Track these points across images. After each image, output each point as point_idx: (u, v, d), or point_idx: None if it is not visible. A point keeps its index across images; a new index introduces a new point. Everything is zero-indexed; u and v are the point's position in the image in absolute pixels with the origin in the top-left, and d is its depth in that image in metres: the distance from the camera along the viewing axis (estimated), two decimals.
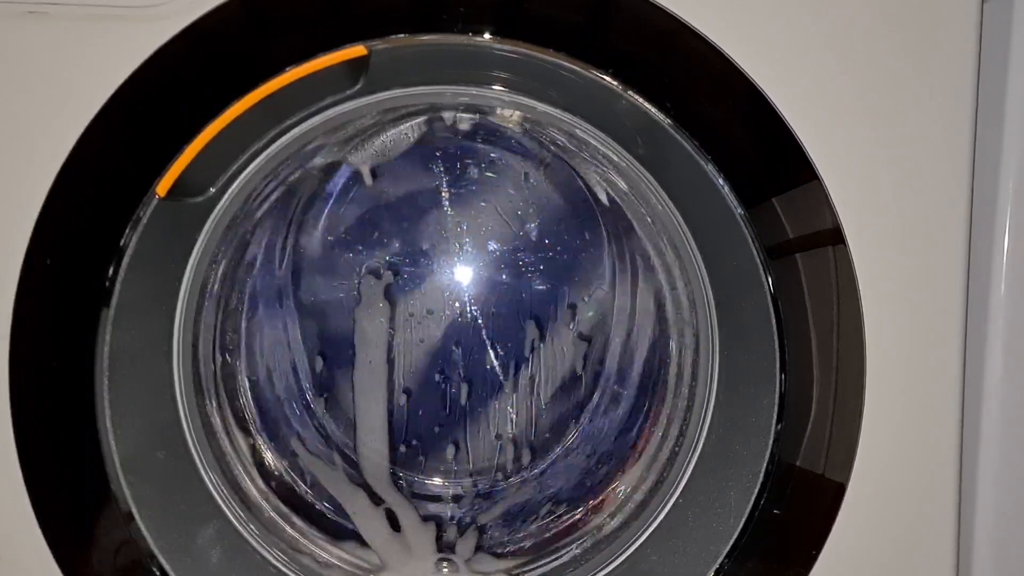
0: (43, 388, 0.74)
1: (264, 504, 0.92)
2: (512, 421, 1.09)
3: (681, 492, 0.84)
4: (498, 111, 0.92)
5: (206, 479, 0.85)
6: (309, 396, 1.07)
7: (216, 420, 0.90)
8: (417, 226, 1.05)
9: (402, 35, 0.73)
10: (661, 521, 0.84)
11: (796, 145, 0.73)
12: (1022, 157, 0.76)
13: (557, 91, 0.78)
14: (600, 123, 0.80)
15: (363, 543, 0.95)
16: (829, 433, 0.77)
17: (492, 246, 1.06)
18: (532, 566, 0.93)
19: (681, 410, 0.90)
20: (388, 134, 0.97)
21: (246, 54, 0.73)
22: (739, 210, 0.75)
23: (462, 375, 1.07)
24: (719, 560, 0.79)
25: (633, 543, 0.85)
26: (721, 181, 0.75)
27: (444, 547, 0.98)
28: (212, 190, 0.78)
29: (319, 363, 1.07)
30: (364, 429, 1.05)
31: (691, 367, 0.89)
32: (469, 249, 1.05)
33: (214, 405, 0.90)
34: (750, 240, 0.75)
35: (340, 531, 0.96)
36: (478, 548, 0.98)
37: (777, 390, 0.77)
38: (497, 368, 1.08)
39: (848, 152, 0.74)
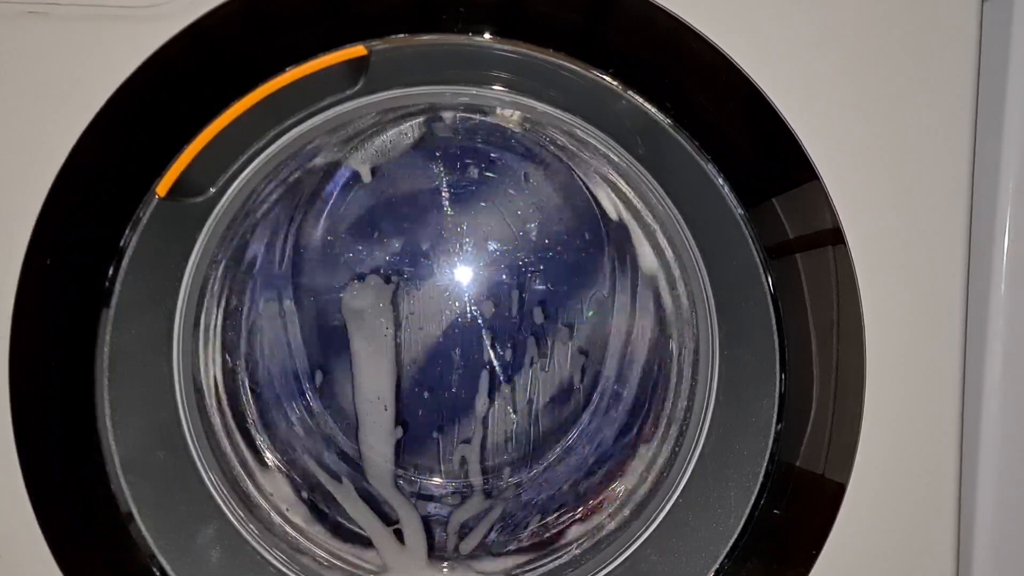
0: (43, 388, 0.74)
1: (264, 504, 0.92)
2: (512, 421, 1.09)
3: (681, 492, 0.84)
4: (498, 111, 0.92)
5: (206, 479, 0.85)
6: (309, 396, 1.07)
7: (216, 420, 0.90)
8: (417, 226, 1.05)
9: (402, 35, 0.73)
10: (661, 521, 0.84)
11: (796, 145, 0.73)
12: (1022, 157, 0.76)
13: (557, 91, 0.78)
14: (600, 123, 0.80)
15: (364, 542, 0.96)
16: (829, 433, 0.77)
17: (492, 246, 1.06)
18: (532, 566, 0.93)
19: (681, 410, 0.90)
20: (388, 134, 0.97)
21: (246, 54, 0.73)
22: (739, 210, 0.75)
23: (462, 376, 1.07)
24: (719, 560, 0.79)
25: (633, 543, 0.85)
26: (721, 181, 0.75)
27: (445, 547, 0.98)
28: (212, 190, 0.78)
29: (319, 374, 1.07)
30: (365, 430, 1.05)
31: (691, 367, 0.89)
32: (469, 249, 1.05)
33: (214, 405, 0.90)
34: (750, 240, 0.75)
35: (341, 530, 0.96)
36: (478, 548, 0.98)
37: (777, 390, 0.77)
38: (497, 369, 1.08)
39: (848, 152, 0.74)
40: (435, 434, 1.09)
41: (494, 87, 0.79)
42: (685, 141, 0.74)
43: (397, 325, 1.05)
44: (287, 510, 0.94)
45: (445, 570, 0.95)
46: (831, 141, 0.73)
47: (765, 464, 0.78)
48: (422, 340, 1.06)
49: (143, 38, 0.70)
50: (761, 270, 0.76)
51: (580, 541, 0.93)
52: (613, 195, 0.99)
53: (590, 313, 1.08)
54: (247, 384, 0.99)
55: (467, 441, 1.08)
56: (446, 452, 1.09)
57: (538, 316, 1.07)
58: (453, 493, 1.08)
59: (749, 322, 0.78)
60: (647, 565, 0.84)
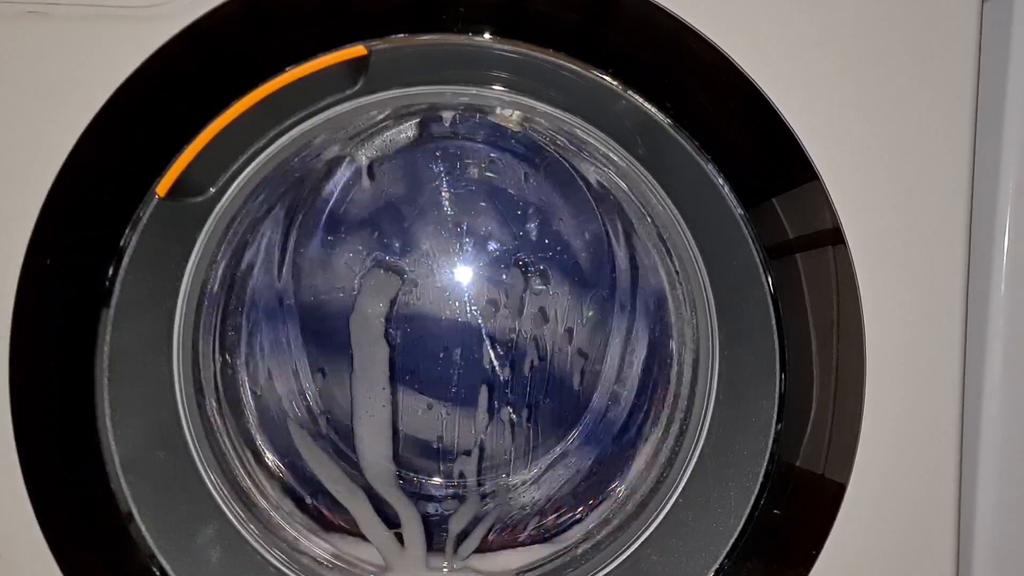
0: (43, 388, 0.74)
1: (264, 504, 0.92)
2: (512, 421, 1.09)
3: (681, 492, 0.84)
4: (498, 111, 0.92)
5: (206, 479, 0.85)
6: (309, 396, 1.07)
7: (216, 420, 0.90)
8: (417, 226, 1.05)
9: (402, 35, 0.73)
10: (661, 521, 0.84)
11: (796, 145, 0.73)
12: (1022, 157, 0.76)
13: (557, 91, 0.78)
14: (600, 123, 0.80)
15: (364, 543, 0.95)
16: (829, 433, 0.77)
17: (492, 246, 1.06)
18: (532, 566, 0.93)
19: (681, 410, 0.90)
20: (388, 134, 0.97)
21: (246, 54, 0.73)
22: (739, 210, 0.75)
23: (461, 376, 1.07)
24: (719, 560, 0.79)
25: (633, 543, 0.85)
26: (721, 181, 0.75)
27: (445, 547, 0.98)
28: (212, 190, 0.78)
29: (319, 375, 1.07)
30: (365, 429, 1.05)
31: (691, 367, 0.89)
32: (469, 249, 1.05)
33: (214, 405, 0.90)
34: (750, 240, 0.75)
35: (341, 531, 0.96)
36: (479, 548, 0.98)
37: (777, 390, 0.77)
38: (497, 368, 1.08)
39: (848, 152, 0.74)
40: (436, 434, 1.09)
41: (494, 87, 0.79)
42: (685, 141, 0.74)
43: (396, 325, 1.05)
44: (287, 511, 0.94)
45: (445, 570, 0.95)
46: (831, 141, 0.73)
47: (765, 464, 0.78)
48: (421, 340, 1.06)
49: (143, 38, 0.70)
50: (761, 270, 0.76)
51: (580, 541, 0.93)
52: (612, 195, 0.99)
53: (590, 314, 1.08)
54: (247, 384, 0.99)
55: (467, 453, 1.08)
56: (447, 452, 1.09)
57: (538, 317, 1.07)
58: (453, 494, 1.08)
59: (749, 322, 0.78)
60: (647, 565, 0.84)
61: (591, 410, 1.09)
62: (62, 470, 0.75)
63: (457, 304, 1.06)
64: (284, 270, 1.04)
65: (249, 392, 0.99)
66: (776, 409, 0.77)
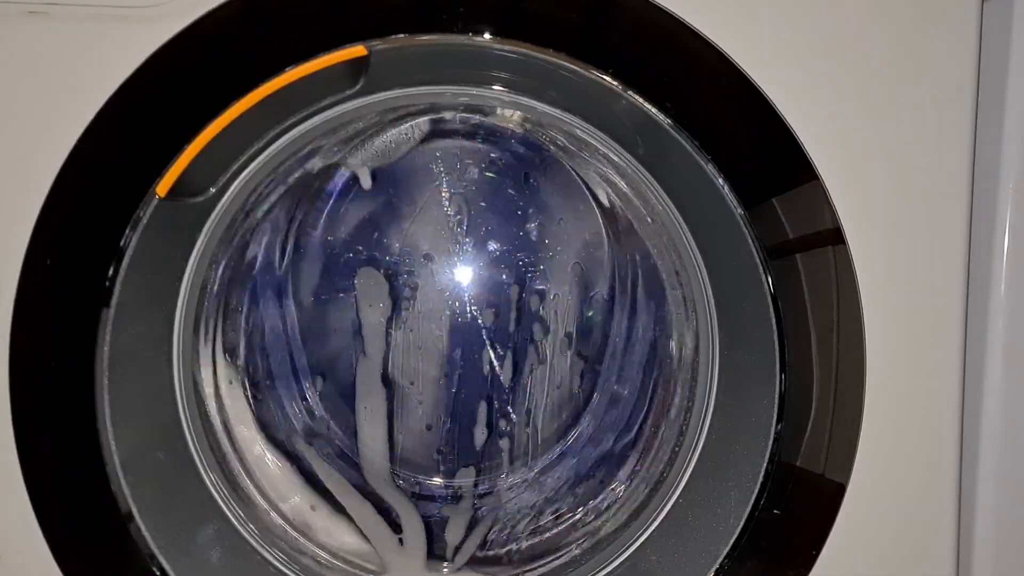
0: (43, 388, 0.74)
1: (264, 504, 0.92)
2: (512, 422, 1.09)
3: (681, 492, 0.84)
4: (498, 111, 0.92)
5: (206, 479, 0.85)
6: (309, 396, 1.07)
7: (216, 420, 0.90)
8: (417, 226, 1.05)
9: (402, 35, 0.73)
10: (661, 521, 0.84)
11: (796, 145, 0.73)
12: (1022, 157, 0.76)
13: (557, 91, 0.78)
14: (600, 123, 0.80)
15: (364, 543, 0.95)
16: (829, 433, 0.77)
17: (492, 246, 1.06)
18: (532, 566, 0.93)
19: (681, 410, 0.90)
20: (388, 134, 0.97)
21: (246, 54, 0.73)
22: (739, 210, 0.75)
23: (462, 376, 1.07)
24: (719, 560, 0.79)
25: (633, 543, 0.85)
26: (721, 181, 0.75)
27: (445, 547, 0.98)
28: (212, 190, 0.78)
29: (319, 377, 1.07)
30: (365, 430, 1.05)
31: (691, 367, 0.89)
32: (469, 249, 1.05)
33: (214, 405, 0.90)
34: (750, 240, 0.75)
35: (340, 531, 0.96)
36: (479, 548, 0.98)
37: (777, 390, 0.77)
38: (497, 369, 1.08)
39: (848, 152, 0.74)
40: (436, 435, 1.09)
41: (494, 87, 0.79)
42: (685, 141, 0.74)
43: (396, 326, 1.05)
44: (287, 510, 0.94)
45: (445, 570, 0.95)
46: (831, 141, 0.73)
47: (765, 464, 0.78)
48: (421, 341, 1.06)
49: (143, 38, 0.70)
50: (761, 270, 0.76)
51: (580, 541, 0.93)
52: (612, 195, 0.99)
53: (590, 314, 1.08)
54: (247, 385, 0.99)
55: (468, 442, 1.08)
56: (447, 453, 1.09)
57: (538, 319, 1.07)
58: (452, 495, 1.08)
59: (749, 322, 0.78)
60: (647, 565, 0.84)
61: (591, 411, 1.09)
62: (62, 470, 0.75)
63: (457, 305, 1.06)
64: (284, 270, 1.04)
65: (249, 393, 0.99)
66: (776, 409, 0.77)
